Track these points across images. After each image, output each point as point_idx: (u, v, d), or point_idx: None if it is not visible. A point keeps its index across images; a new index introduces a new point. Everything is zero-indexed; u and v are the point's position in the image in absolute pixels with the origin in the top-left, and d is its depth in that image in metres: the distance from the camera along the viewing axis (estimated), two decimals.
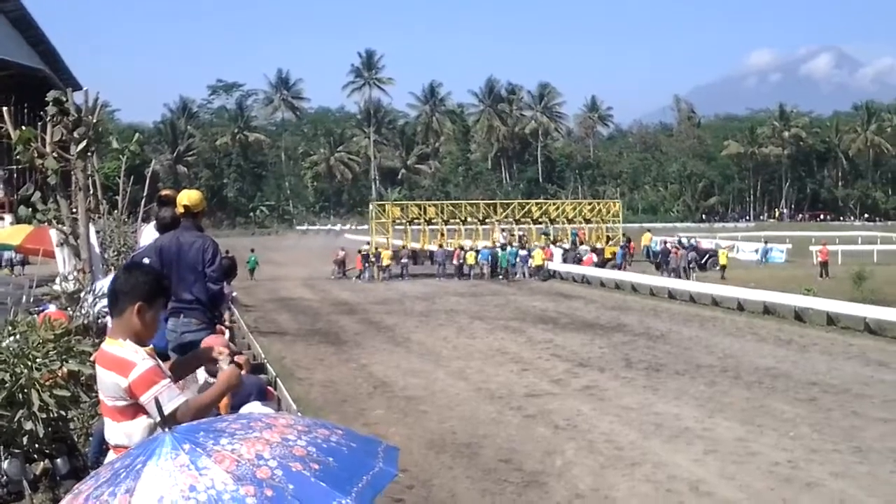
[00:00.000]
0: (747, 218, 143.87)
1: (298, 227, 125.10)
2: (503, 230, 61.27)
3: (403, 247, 56.06)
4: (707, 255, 54.16)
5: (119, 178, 20.30)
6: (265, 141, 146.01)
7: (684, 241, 58.38)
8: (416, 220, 60.09)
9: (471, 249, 54.43)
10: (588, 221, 62.28)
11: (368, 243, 56.96)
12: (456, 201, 72.78)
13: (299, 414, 12.83)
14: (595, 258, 52.83)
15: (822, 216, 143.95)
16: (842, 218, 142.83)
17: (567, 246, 58.02)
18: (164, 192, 10.05)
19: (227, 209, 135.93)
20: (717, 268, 50.29)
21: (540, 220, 62.46)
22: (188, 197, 8.57)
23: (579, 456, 13.93)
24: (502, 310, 35.82)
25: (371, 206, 65.25)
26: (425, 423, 16.41)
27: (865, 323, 28.03)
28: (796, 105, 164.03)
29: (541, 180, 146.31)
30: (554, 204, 68.17)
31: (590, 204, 66.06)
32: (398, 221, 59.49)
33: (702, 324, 31.04)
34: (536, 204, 67.83)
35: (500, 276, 51.59)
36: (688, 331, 29.10)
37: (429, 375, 21.35)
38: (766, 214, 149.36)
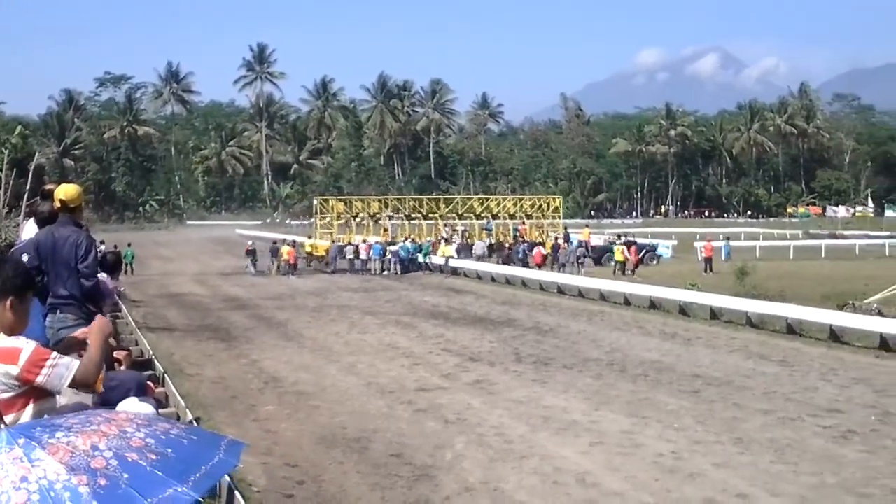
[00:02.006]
0: (635, 214, 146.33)
1: (189, 222, 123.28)
2: (445, 225, 62.29)
3: (294, 242, 55.84)
4: (644, 251, 54.89)
5: (1, 171, 19.85)
6: (155, 134, 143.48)
7: (622, 237, 59.27)
8: (358, 216, 60.91)
9: (362, 243, 54.46)
10: (529, 217, 63.38)
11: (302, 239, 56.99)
12: (399, 196, 73.80)
13: (188, 410, 12.75)
14: (543, 252, 53.17)
15: (706, 213, 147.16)
16: (726, 215, 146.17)
17: (491, 241, 58.89)
18: (47, 186, 9.87)
19: (116, 203, 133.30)
20: (649, 263, 51.09)
21: (482, 214, 63.63)
22: (65, 191, 8.41)
23: (469, 449, 14.05)
24: (394, 305, 35.88)
25: (315, 202, 65.52)
26: (316, 418, 16.38)
27: (747, 317, 28.75)
28: (682, 104, 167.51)
29: (433, 176, 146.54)
30: (495, 199, 69.27)
31: (530, 199, 67.29)
32: (342, 216, 60.06)
33: (590, 318, 31.51)
34: (478, 199, 68.94)
35: (422, 271, 51.98)
36: (576, 325, 29.53)
37: (320, 371, 21.31)
38: (653, 211, 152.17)
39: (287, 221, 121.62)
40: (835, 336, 25.27)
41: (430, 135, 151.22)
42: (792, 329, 26.82)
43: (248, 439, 14.67)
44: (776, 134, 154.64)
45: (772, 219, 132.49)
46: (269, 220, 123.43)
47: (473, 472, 12.88)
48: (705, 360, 22.60)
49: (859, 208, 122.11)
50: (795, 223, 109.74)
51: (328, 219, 59.39)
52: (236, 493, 9.16)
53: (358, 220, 61.69)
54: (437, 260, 52.96)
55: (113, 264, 11.54)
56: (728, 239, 62.75)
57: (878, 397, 17.88)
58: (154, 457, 2.84)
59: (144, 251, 61.92)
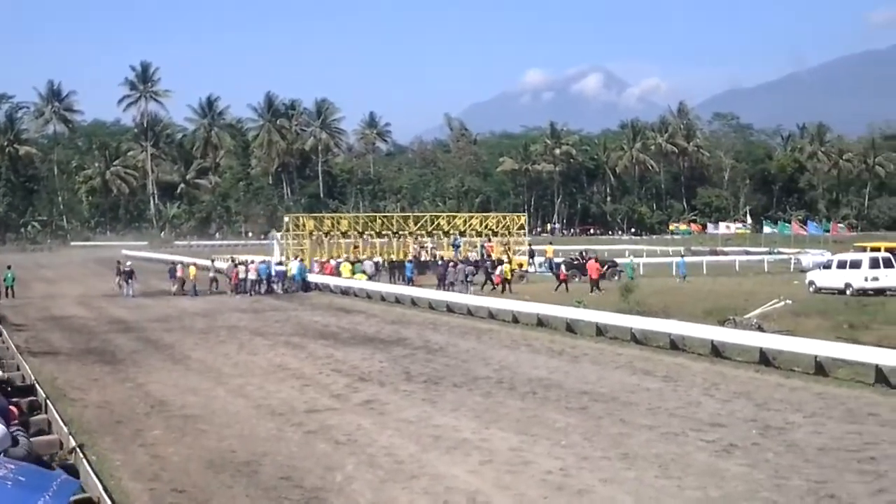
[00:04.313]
0: (522, 233, 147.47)
1: (73, 243, 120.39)
2: (416, 242, 63.40)
3: (194, 264, 54.91)
4: (607, 267, 55.47)
5: None
6: (37, 154, 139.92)
7: (585, 254, 60.16)
8: (330, 233, 61.59)
9: (250, 263, 54.03)
10: (495, 234, 64.87)
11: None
12: (371, 214, 74.84)
13: (70, 437, 12.53)
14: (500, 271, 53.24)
15: (591, 230, 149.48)
16: (610, 232, 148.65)
17: (377, 259, 59.38)
18: None
19: None
20: (611, 279, 51.59)
21: (449, 232, 64.77)
22: None
23: (360, 470, 14.07)
24: (283, 325, 35.67)
25: (286, 219, 65.59)
26: (204, 441, 16.22)
27: (632, 333, 29.28)
28: (567, 123, 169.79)
29: (322, 195, 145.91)
30: (461, 217, 70.17)
31: (495, 217, 68.62)
32: (313, 233, 60.47)
33: (479, 336, 31.74)
34: (446, 216, 69.62)
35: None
36: (465, 343, 29.72)
37: (208, 393, 21.08)
38: (539, 229, 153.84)
39: (174, 242, 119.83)
40: (716, 351, 25.90)
41: (318, 154, 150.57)
42: (675, 345, 27.42)
43: (135, 465, 14.50)
44: (658, 153, 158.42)
45: (654, 236, 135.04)
46: (163, 238, 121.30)
47: (364, 493, 12.90)
48: (592, 376, 22.96)
49: (738, 225, 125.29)
50: (677, 240, 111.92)
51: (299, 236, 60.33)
52: None
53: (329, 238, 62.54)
54: (344, 282, 52.42)
55: None
56: (683, 256, 63.95)
57: (758, 411, 18.39)
58: None
59: (26, 273, 60.46)
